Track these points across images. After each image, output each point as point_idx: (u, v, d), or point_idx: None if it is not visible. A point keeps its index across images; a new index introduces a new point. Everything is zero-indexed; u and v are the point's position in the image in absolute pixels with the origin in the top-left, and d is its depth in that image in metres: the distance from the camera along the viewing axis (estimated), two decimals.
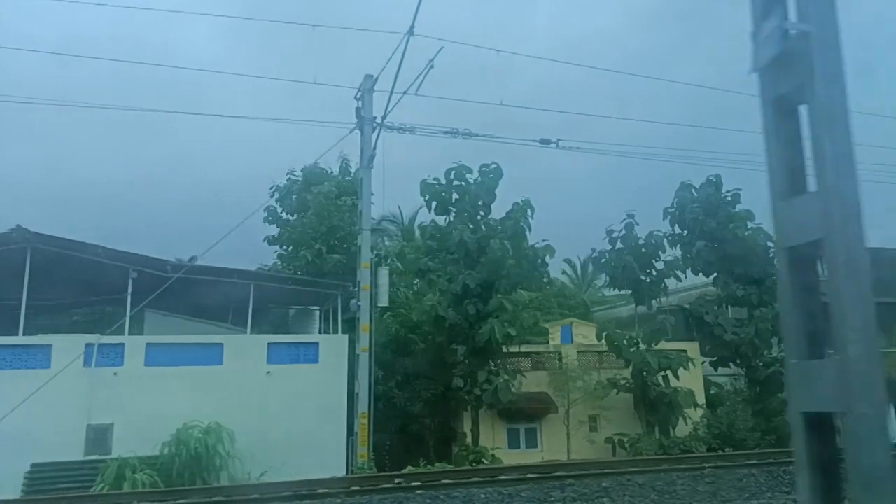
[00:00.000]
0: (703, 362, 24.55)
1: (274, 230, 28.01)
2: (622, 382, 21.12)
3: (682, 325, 24.13)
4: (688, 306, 24.17)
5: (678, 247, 24.97)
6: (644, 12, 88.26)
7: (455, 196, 20.49)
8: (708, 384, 24.03)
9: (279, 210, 28.97)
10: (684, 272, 25.45)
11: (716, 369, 24.15)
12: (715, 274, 24.79)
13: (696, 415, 21.72)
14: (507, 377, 19.20)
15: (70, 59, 64.15)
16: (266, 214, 29.32)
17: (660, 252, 22.45)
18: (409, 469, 15.27)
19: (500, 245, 18.71)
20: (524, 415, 21.05)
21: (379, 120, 19.22)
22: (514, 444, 21.08)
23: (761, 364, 22.69)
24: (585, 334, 25.78)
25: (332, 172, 30.53)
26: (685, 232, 24.99)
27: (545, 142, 20.76)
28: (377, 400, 20.71)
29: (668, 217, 25.31)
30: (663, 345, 23.78)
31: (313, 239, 26.85)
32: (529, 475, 14.31)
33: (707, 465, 14.11)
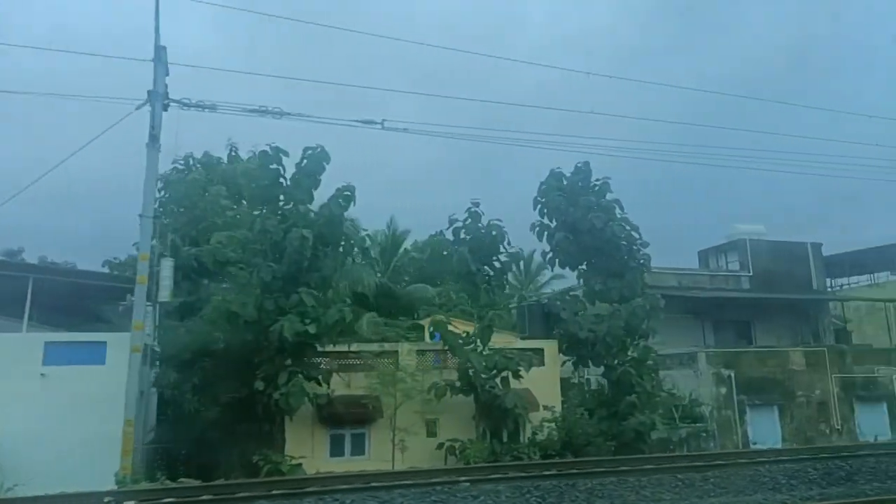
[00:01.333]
0: (563, 362, 23.01)
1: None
2: (458, 384, 19.46)
3: (541, 322, 22.55)
4: (545, 301, 22.62)
5: (545, 238, 23.44)
6: (641, 8, 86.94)
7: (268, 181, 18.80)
8: (568, 386, 22.46)
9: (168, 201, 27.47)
10: (552, 266, 23.96)
11: (576, 368, 22.60)
12: (583, 267, 23.29)
13: (537, 418, 20.18)
14: (311, 379, 17.54)
15: (60, 49, 62.44)
16: (158, 205, 27.86)
17: (503, 244, 20.83)
18: (144, 485, 13.57)
19: (299, 235, 17.01)
20: (350, 419, 19.40)
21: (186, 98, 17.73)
22: (337, 451, 19.40)
23: (617, 364, 21.10)
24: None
25: (221, 160, 29.01)
26: (553, 222, 23.43)
27: (368, 122, 19.16)
28: (168, 405, 19.06)
29: (539, 207, 23.72)
30: (520, 343, 22.32)
31: (174, 231, 25.25)
32: (275, 491, 12.72)
33: (465, 479, 12.49)
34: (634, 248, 22.31)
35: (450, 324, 19.74)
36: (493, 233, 20.46)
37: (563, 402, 21.51)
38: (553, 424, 19.79)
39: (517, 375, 19.47)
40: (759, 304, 29.69)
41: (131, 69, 18.95)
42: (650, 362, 21.32)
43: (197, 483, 13.77)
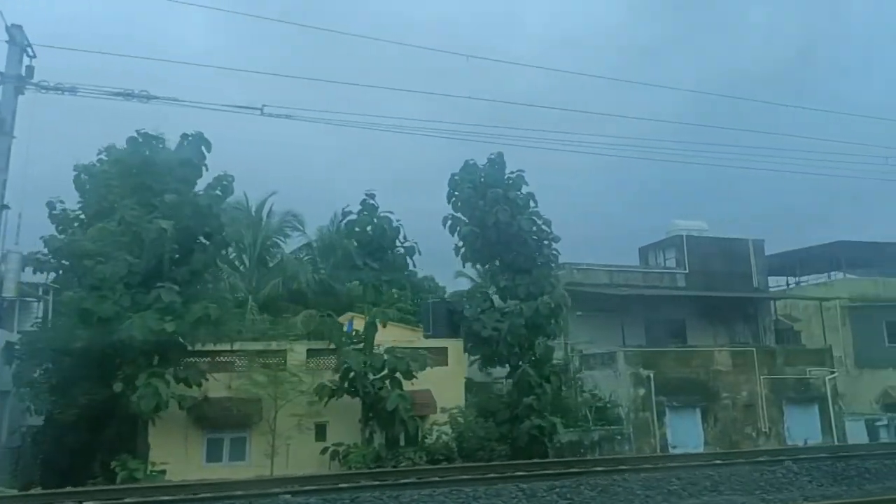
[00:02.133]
0: (472, 362, 22.06)
1: None
2: (344, 386, 18.42)
3: (447, 320, 21.54)
4: (450, 298, 21.65)
5: (456, 233, 22.43)
6: (644, 7, 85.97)
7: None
8: (471, 386, 21.47)
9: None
10: (463, 261, 22.97)
11: (481, 369, 21.62)
12: (497, 263, 22.29)
13: (430, 422, 19.25)
14: (180, 381, 16.49)
15: (60, 44, 61.83)
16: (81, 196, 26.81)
17: (398, 238, 19.79)
18: None
19: (157, 227, 15.96)
20: (229, 423, 18.35)
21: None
22: (214, 456, 18.36)
23: (519, 364, 20.12)
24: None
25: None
26: (465, 216, 22.40)
27: (247, 108, 18.14)
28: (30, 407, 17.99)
29: (452, 200, 22.69)
30: (423, 342, 21.37)
31: (79, 224, 24.20)
32: (86, 502, 11.72)
33: (288, 492, 11.47)
34: (544, 243, 21.30)
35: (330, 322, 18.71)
36: (385, 227, 19.37)
37: (466, 404, 20.56)
38: (446, 428, 18.81)
39: (409, 376, 18.45)
40: (694, 302, 28.74)
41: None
42: (556, 362, 20.36)
43: (13, 493, 12.74)
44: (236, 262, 37.95)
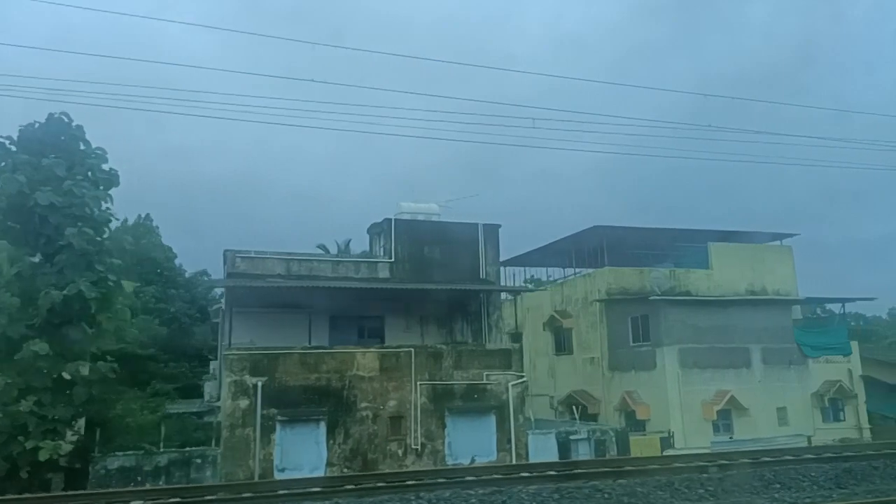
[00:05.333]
0: None
1: None
2: None
3: None
4: None
5: None
6: (644, 6, 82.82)
7: None
8: None
9: None
10: None
11: None
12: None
13: None
14: None
15: (60, 49, 59.14)
16: None
17: None
18: None
19: None
20: None
21: None
22: None
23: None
24: None
25: None
26: None
27: None
28: None
29: None
30: None
31: None
32: None
33: None
34: (79, 225, 17.08)
35: None
36: None
37: None
38: None
39: None
40: (399, 296, 24.76)
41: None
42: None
43: None
44: None
